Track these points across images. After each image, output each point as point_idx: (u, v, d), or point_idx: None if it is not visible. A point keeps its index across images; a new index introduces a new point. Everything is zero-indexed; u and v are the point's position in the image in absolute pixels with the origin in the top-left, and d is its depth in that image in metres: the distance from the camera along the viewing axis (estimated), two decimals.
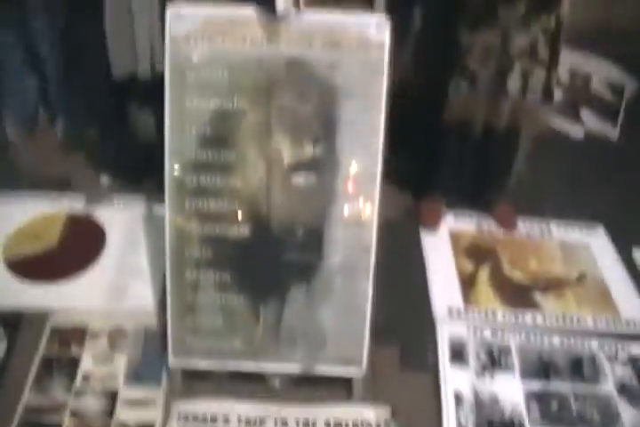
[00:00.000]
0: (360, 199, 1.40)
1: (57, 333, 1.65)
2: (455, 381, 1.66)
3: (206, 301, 1.52)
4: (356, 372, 1.55)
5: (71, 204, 1.99)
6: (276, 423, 1.54)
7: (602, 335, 1.74)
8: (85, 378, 1.58)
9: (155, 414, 1.52)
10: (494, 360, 1.73)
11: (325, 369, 1.55)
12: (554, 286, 1.95)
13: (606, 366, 1.66)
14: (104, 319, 1.72)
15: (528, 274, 1.97)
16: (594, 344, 1.74)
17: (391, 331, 1.71)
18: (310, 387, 1.59)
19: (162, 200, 1.40)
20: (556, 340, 1.79)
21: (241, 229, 1.45)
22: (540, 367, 1.71)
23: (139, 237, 1.88)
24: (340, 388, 1.58)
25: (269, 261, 1.49)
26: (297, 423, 1.55)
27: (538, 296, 1.92)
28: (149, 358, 1.64)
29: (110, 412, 1.52)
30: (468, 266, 1.92)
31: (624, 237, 1.98)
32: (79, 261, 1.82)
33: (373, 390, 1.60)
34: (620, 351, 1.70)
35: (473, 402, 1.63)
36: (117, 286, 1.83)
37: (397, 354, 1.68)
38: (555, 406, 1.62)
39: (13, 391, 1.51)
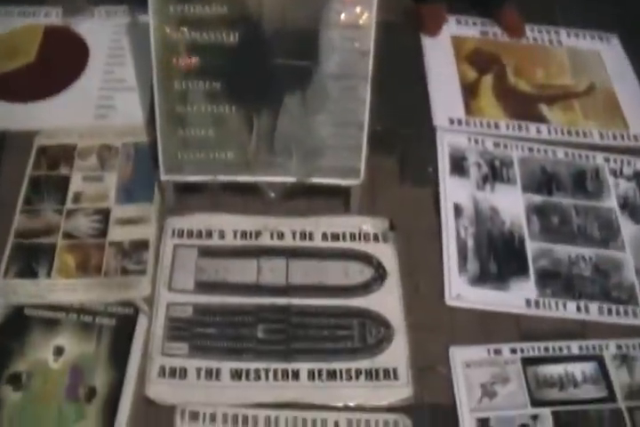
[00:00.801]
0: (357, 1, 1.27)
1: (44, 153, 1.58)
2: (455, 192, 1.61)
3: (197, 112, 1.43)
4: (353, 182, 1.51)
5: (49, 16, 1.82)
6: (272, 236, 1.51)
7: (608, 149, 1.67)
8: (76, 198, 1.52)
9: (148, 231, 1.48)
10: (496, 172, 1.67)
11: (322, 180, 1.50)
12: (561, 97, 1.83)
13: (610, 181, 1.61)
14: (92, 137, 1.63)
15: (534, 84, 1.84)
16: (599, 158, 1.67)
17: (390, 142, 1.65)
18: (307, 199, 1.54)
19: (146, 7, 1.30)
20: (561, 153, 1.72)
21: (230, 35, 1.28)
22: (543, 181, 1.65)
23: (123, 49, 1.75)
24: (338, 200, 1.54)
25: (261, 67, 1.39)
26: (293, 235, 1.52)
27: (543, 108, 1.81)
28: (141, 175, 1.58)
29: (103, 231, 1.49)
30: (471, 74, 1.80)
31: (639, 49, 1.83)
32: (62, 77, 1.70)
33: (372, 203, 1.56)
34: (625, 166, 1.65)
35: (473, 214, 1.59)
36: (104, 101, 1.73)
37: (397, 166, 1.64)
38: (555, 219, 1.59)
39: (4, 215, 1.46)
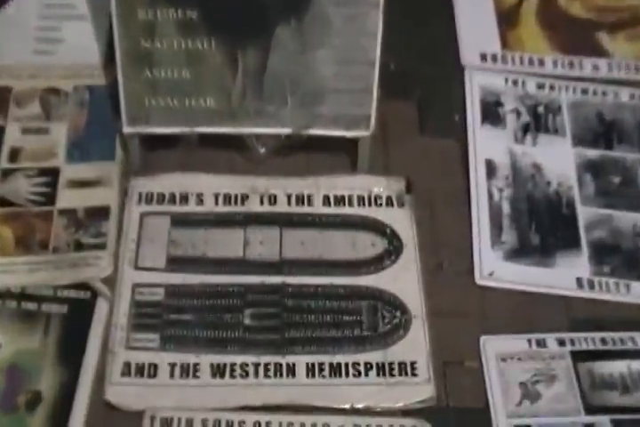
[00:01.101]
0: None
1: None
2: (487, 146, 1.58)
3: (167, 48, 1.39)
4: (362, 134, 1.47)
5: None
6: (262, 201, 1.52)
7: None
8: (13, 155, 1.46)
9: (108, 196, 1.45)
10: (539, 120, 1.61)
11: (323, 131, 1.48)
12: (627, 22, 1.74)
13: None
14: (33, 78, 1.57)
15: (591, 7, 1.75)
16: None
17: (408, 83, 1.62)
18: (305, 156, 1.55)
19: None
20: (625, 95, 1.63)
21: None
22: (600, 130, 1.58)
23: None
24: (343, 157, 1.54)
25: None
26: (288, 200, 1.53)
27: (603, 37, 1.72)
28: (97, 127, 1.53)
29: (51, 197, 1.43)
30: None
31: None
32: None
33: (384, 159, 1.57)
34: None
35: (509, 173, 1.55)
36: (47, 33, 1.65)
37: (415, 113, 1.63)
38: (616, 179, 1.53)
39: None
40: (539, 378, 1.32)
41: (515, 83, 1.67)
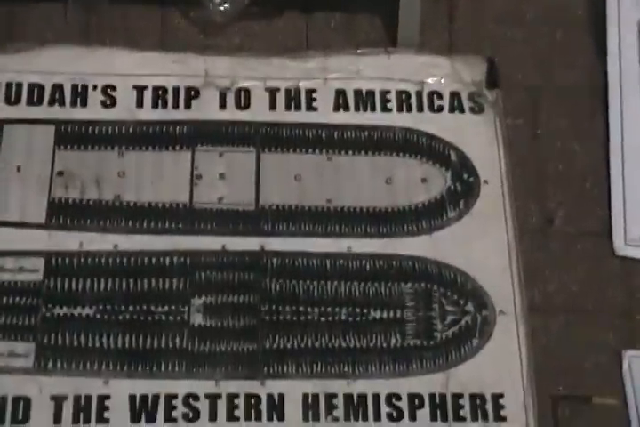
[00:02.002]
0: None
1: None
2: None
3: None
4: None
5: None
6: (223, 100, 1.50)
7: None
8: None
9: None
10: None
11: None
12: None
13: None
14: None
15: None
16: None
17: None
18: (303, 20, 1.54)
19: None
20: None
21: None
22: None
23: None
24: (372, 22, 1.54)
25: None
26: (271, 97, 1.51)
27: None
28: None
29: None
30: None
31: None
32: None
33: (448, 26, 1.54)
34: None
35: None
36: None
37: None
38: None
39: None
40: None
41: None
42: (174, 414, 1.27)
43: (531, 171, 1.45)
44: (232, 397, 1.29)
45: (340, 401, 1.30)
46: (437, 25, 1.54)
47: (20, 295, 1.32)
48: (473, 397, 1.30)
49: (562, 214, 1.43)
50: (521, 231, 1.40)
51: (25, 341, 1.30)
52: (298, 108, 1.48)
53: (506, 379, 1.32)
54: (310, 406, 1.29)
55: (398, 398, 1.30)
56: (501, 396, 1.30)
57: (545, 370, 1.32)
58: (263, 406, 1.29)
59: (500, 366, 1.33)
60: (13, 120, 1.44)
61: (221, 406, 1.28)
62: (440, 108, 1.49)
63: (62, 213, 1.38)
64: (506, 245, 1.40)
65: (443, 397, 1.30)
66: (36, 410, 1.26)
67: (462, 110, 1.49)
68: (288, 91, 1.49)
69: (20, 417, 1.24)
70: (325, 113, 1.49)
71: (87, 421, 1.25)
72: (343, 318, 1.35)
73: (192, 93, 1.47)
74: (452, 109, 1.49)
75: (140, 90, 1.47)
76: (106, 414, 1.26)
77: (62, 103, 1.46)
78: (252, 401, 1.29)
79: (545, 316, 1.36)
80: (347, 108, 1.49)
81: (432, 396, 1.30)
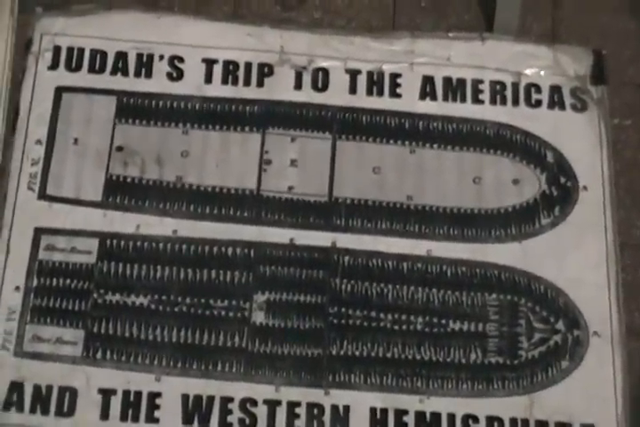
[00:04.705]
0: None
1: None
2: None
3: None
4: None
5: None
6: (299, 79, 1.48)
7: None
8: None
9: None
10: None
11: None
12: None
13: None
14: None
15: None
16: None
17: None
18: None
19: None
20: None
21: None
22: None
23: None
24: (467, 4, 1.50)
25: None
26: (351, 80, 1.49)
27: None
28: None
29: None
30: None
31: None
32: None
33: (552, 12, 1.53)
34: None
35: None
36: None
37: None
38: None
39: None
40: None
41: None
42: (229, 418, 1.27)
43: (637, 178, 1.44)
44: (293, 405, 1.29)
45: (410, 419, 1.29)
46: (540, 10, 1.53)
47: (71, 278, 1.33)
48: (559, 425, 1.29)
49: None
50: (622, 245, 1.38)
51: (74, 327, 1.31)
52: (380, 93, 1.47)
53: (597, 408, 1.30)
54: (378, 421, 1.28)
55: (476, 420, 1.29)
56: (593, 426, 1.28)
57: None
58: (326, 418, 1.28)
59: (591, 393, 1.31)
60: (73, 88, 1.44)
61: (281, 413, 1.28)
62: (538, 103, 1.47)
63: (120, 192, 1.39)
64: (604, 260, 1.38)
65: (525, 422, 1.29)
66: (83, 403, 1.27)
67: (563, 107, 1.47)
68: (370, 74, 1.48)
69: (66, 409, 1.25)
70: (410, 101, 1.48)
71: (136, 419, 1.26)
72: (419, 327, 1.34)
73: (265, 71, 1.47)
74: (551, 105, 1.47)
75: (210, 63, 1.46)
76: (156, 414, 1.26)
77: (126, 73, 1.46)
78: (315, 411, 1.29)
79: None
80: (434, 97, 1.48)
81: (513, 421, 1.29)
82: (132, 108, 1.44)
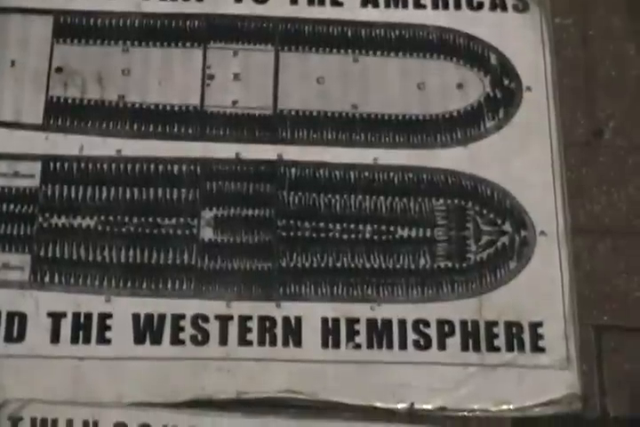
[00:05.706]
0: None
1: None
2: None
3: None
4: None
5: None
6: None
7: None
8: None
9: None
10: None
11: None
12: None
13: None
14: None
15: None
16: None
17: None
18: None
19: None
20: None
21: None
22: None
23: None
24: None
25: None
26: None
27: None
28: None
29: None
30: None
31: None
32: None
33: None
34: None
35: None
36: None
37: None
38: None
39: None
40: None
41: None
42: (182, 335, 1.27)
43: (579, 77, 1.42)
44: (245, 319, 1.28)
45: (362, 327, 1.29)
46: None
47: (14, 203, 1.32)
48: (508, 325, 1.29)
49: (612, 126, 1.40)
50: (566, 144, 1.38)
51: (20, 252, 1.30)
52: (321, 2, 1.45)
53: (545, 306, 1.31)
54: (330, 331, 1.28)
55: (426, 324, 1.29)
56: (540, 325, 1.29)
57: (588, 298, 1.31)
58: (278, 330, 1.28)
59: (539, 292, 1.31)
60: (7, 9, 1.41)
61: (233, 328, 1.28)
62: (480, 6, 1.45)
63: (61, 114, 1.37)
64: (549, 160, 1.38)
65: (475, 324, 1.29)
66: (32, 327, 1.25)
67: (505, 8, 1.46)
68: None
69: (15, 335, 1.24)
70: (352, 9, 1.46)
71: (87, 340, 1.25)
72: (367, 235, 1.33)
73: None
74: (493, 7, 1.46)
75: None
76: (107, 334, 1.26)
77: None
78: (267, 324, 1.28)
79: (590, 238, 1.35)
80: (376, 4, 1.45)
81: (463, 323, 1.29)
82: (70, 28, 1.41)
